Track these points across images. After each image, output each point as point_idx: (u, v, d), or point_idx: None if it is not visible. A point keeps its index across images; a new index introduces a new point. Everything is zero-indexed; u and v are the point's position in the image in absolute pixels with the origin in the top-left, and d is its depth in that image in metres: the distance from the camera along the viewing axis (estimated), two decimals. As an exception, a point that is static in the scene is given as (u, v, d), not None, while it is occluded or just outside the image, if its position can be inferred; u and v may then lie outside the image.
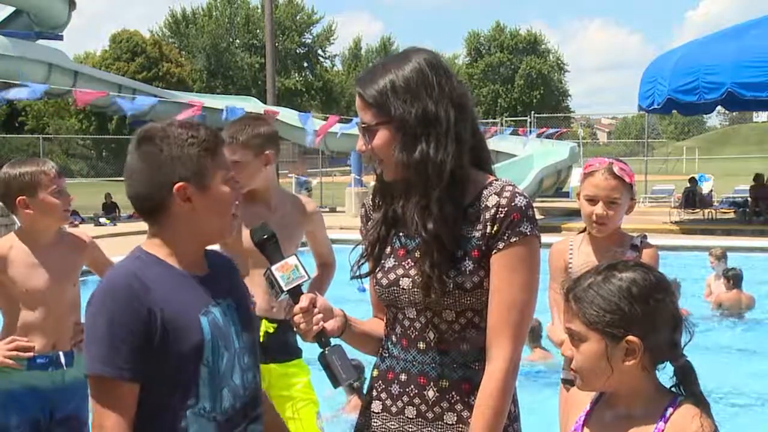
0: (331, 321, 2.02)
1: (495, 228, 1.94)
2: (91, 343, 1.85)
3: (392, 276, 2.03)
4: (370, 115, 1.97)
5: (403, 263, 2.02)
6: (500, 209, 1.94)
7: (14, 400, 3.12)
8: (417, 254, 1.99)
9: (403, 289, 2.01)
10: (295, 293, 2.00)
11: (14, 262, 3.15)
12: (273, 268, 2.01)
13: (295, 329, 2.00)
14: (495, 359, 1.93)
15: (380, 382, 2.09)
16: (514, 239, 1.93)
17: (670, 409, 1.75)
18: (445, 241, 1.93)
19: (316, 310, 1.99)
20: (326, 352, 1.97)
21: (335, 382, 1.98)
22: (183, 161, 1.92)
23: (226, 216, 1.99)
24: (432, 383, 1.99)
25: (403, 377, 2.03)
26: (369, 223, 2.13)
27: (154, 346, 1.83)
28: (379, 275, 2.06)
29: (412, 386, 2.01)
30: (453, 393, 1.98)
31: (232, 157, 3.32)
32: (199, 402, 1.89)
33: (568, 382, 3.21)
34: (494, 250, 1.94)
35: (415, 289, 1.98)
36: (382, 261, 2.07)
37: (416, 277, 1.98)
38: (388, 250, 2.06)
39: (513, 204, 1.94)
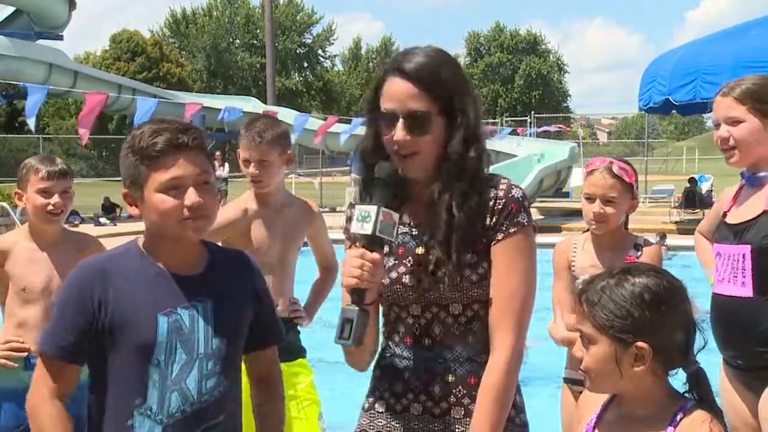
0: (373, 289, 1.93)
1: (494, 219, 1.96)
2: (49, 320, 2.00)
3: (394, 274, 2.01)
4: (423, 102, 1.91)
5: (404, 261, 2.01)
6: (498, 201, 1.96)
7: (13, 399, 3.11)
8: (419, 251, 1.99)
9: (408, 285, 1.99)
10: (377, 243, 1.88)
11: (16, 258, 3.18)
12: (383, 209, 1.87)
13: (344, 273, 1.89)
14: (498, 349, 1.93)
15: (383, 381, 2.08)
16: (513, 230, 1.95)
17: (680, 414, 1.74)
18: (474, 228, 1.95)
19: (379, 270, 1.90)
20: (358, 311, 1.86)
21: (341, 339, 1.87)
22: (126, 167, 1.95)
23: (171, 223, 1.92)
24: (438, 378, 1.99)
25: (406, 375, 2.02)
26: None
27: (102, 336, 1.90)
28: None
29: (417, 383, 2.00)
30: (460, 387, 1.98)
31: (261, 156, 3.31)
32: (146, 402, 1.90)
33: (570, 381, 3.22)
34: (494, 242, 1.96)
35: (417, 284, 1.98)
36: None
37: (418, 273, 1.98)
38: (386, 249, 2.02)
39: (510, 195, 1.97)
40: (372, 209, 1.86)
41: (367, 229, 1.86)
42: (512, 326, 1.93)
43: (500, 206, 1.96)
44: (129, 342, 1.89)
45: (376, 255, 1.87)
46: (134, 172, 1.92)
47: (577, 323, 1.82)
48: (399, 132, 1.92)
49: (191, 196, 1.90)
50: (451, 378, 1.98)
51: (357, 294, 1.88)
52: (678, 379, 1.82)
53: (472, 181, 1.96)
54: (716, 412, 1.76)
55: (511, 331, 1.93)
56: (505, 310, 1.93)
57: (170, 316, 1.92)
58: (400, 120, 1.91)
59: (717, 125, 2.94)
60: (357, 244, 1.90)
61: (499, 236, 1.95)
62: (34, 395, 1.94)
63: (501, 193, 1.97)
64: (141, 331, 1.89)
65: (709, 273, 3.14)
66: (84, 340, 1.90)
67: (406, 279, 2.00)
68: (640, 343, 1.73)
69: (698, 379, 1.78)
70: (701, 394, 1.78)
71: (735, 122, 2.84)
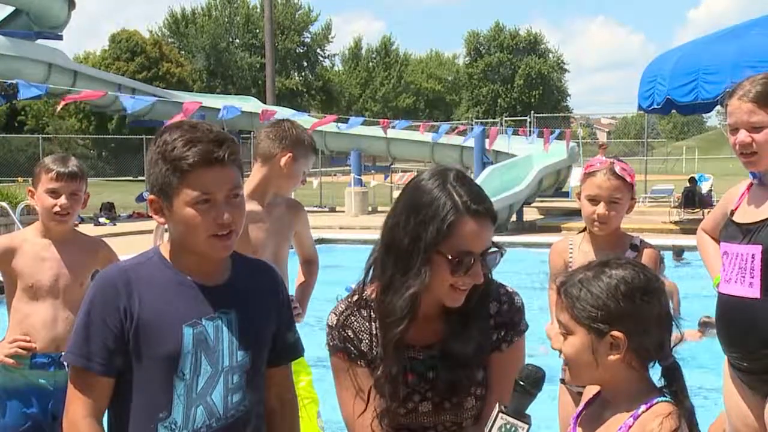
0: None
1: (501, 333, 2.05)
2: (73, 331, 1.90)
3: (410, 405, 1.99)
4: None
5: (417, 388, 1.98)
6: (503, 315, 2.06)
7: (18, 398, 3.14)
8: (431, 374, 1.97)
9: (424, 413, 1.99)
10: None
11: (25, 255, 3.20)
12: (508, 415, 1.80)
13: None
14: None
15: None
16: (516, 339, 2.05)
17: (643, 407, 1.77)
18: (488, 345, 2.02)
19: None
20: None
21: None
22: (156, 175, 1.85)
23: (198, 237, 1.85)
24: None
25: None
26: (365, 364, 2.00)
27: (129, 346, 1.83)
28: (394, 406, 1.97)
29: None
30: None
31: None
32: (170, 416, 1.85)
33: (567, 383, 3.22)
34: (497, 351, 2.05)
35: (434, 410, 1.98)
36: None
37: (435, 398, 1.97)
38: None
39: (514, 306, 2.07)
40: (522, 427, 1.79)
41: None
42: None
43: (507, 319, 2.00)
44: (154, 352, 1.83)
45: None
46: (164, 182, 1.83)
47: (556, 313, 1.86)
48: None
49: (222, 215, 1.83)
50: None
51: None
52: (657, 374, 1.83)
53: (489, 301, 1.99)
54: (683, 408, 1.77)
55: None
56: None
57: (195, 327, 1.86)
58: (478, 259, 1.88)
59: (734, 130, 2.84)
60: None
61: (504, 346, 1.99)
62: (71, 412, 1.86)
63: (505, 307, 2.01)
64: (166, 341, 1.83)
65: (712, 272, 3.13)
66: (114, 350, 1.83)
67: (422, 407, 1.99)
68: (615, 332, 1.76)
69: (672, 373, 1.81)
70: (673, 389, 1.80)
71: (757, 128, 2.77)
